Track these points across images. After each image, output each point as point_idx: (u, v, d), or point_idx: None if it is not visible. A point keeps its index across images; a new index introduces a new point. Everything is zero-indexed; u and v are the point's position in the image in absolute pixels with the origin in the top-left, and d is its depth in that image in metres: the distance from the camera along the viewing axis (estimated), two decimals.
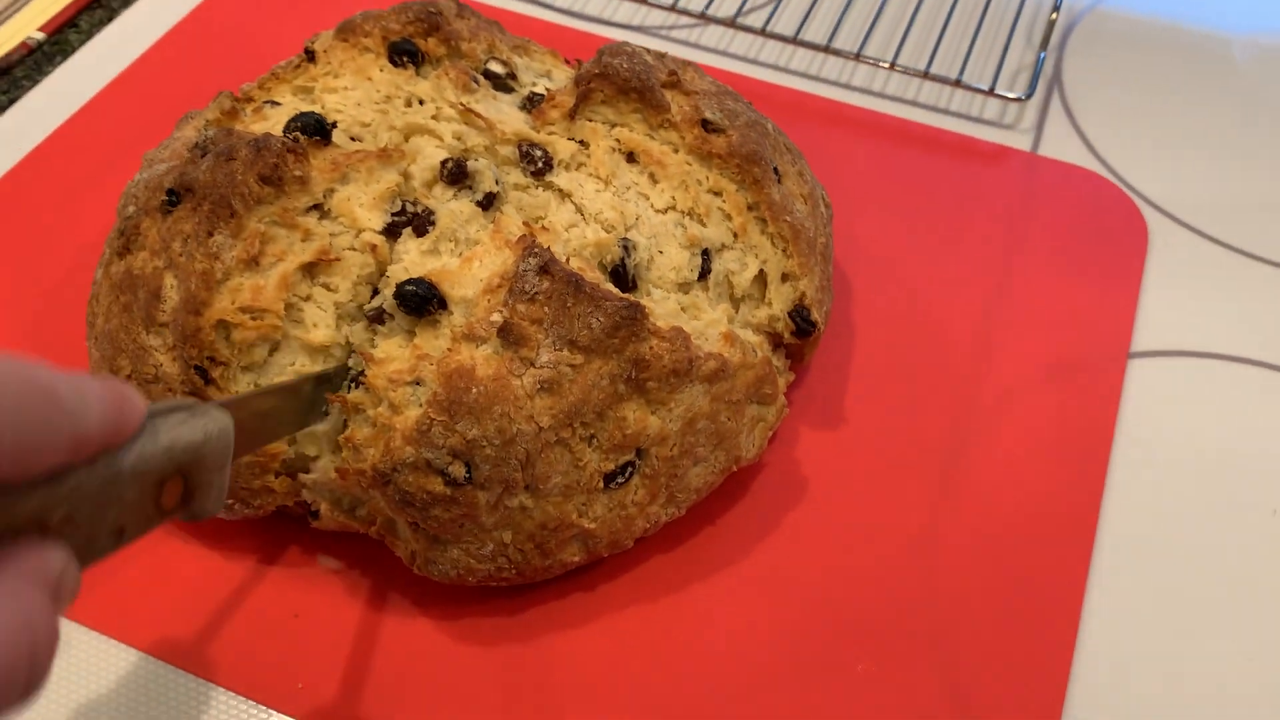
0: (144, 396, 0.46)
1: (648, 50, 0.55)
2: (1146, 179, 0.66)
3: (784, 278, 0.52)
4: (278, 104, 0.54)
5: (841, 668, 0.46)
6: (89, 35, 0.74)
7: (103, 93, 0.69)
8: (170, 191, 0.48)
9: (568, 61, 0.59)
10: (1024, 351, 0.57)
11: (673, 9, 0.74)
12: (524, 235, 0.46)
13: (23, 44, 0.71)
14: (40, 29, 0.72)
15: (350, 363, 0.47)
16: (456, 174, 0.49)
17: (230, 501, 0.47)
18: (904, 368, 0.56)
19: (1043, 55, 0.70)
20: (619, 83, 0.52)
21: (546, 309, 0.44)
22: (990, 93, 0.69)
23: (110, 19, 0.75)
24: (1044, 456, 0.53)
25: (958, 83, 0.69)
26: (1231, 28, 0.76)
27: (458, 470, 0.43)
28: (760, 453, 0.50)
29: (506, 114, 0.52)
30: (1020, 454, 0.53)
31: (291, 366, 0.46)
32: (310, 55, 0.56)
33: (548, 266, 0.44)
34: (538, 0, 0.77)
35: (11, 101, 0.69)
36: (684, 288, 0.49)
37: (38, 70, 0.71)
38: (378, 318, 0.46)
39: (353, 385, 0.46)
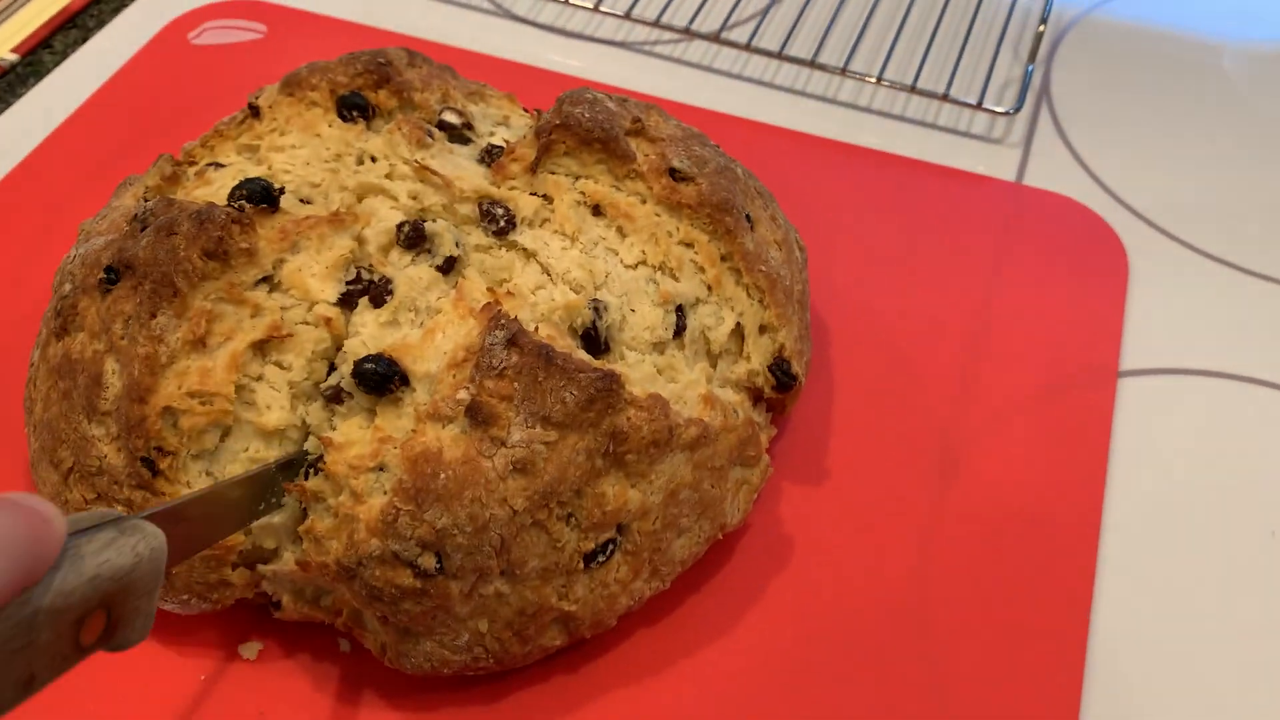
0: (89, 489, 0.43)
1: (609, 96, 0.53)
2: (1135, 192, 0.65)
3: (761, 329, 0.50)
4: (222, 165, 0.51)
5: None
6: (63, 56, 0.72)
7: (66, 123, 0.66)
8: (109, 269, 0.45)
9: (525, 109, 0.56)
10: (1009, 381, 0.56)
11: (656, 24, 0.72)
12: (489, 303, 0.44)
13: None
14: (13, 50, 0.71)
15: (308, 446, 0.44)
16: (414, 237, 0.46)
17: (186, 596, 0.44)
18: (886, 410, 0.55)
19: (1030, 68, 0.69)
20: (581, 133, 0.50)
21: (516, 384, 0.41)
22: (978, 106, 0.67)
23: (85, 39, 0.73)
24: (1036, 486, 0.52)
25: (945, 97, 0.68)
26: (1221, 37, 0.75)
27: (428, 561, 0.40)
28: (745, 516, 0.48)
29: (465, 169, 0.50)
30: (1010, 486, 0.52)
31: (245, 452, 0.43)
32: (255, 111, 0.53)
33: (516, 339, 0.42)
34: (518, 17, 0.75)
35: None
36: (659, 347, 0.47)
37: (10, 92, 0.69)
38: (335, 397, 0.44)
39: (311, 471, 0.43)
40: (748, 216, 0.51)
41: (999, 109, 0.67)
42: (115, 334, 0.44)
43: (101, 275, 0.45)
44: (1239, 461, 0.53)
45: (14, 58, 0.71)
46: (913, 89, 0.68)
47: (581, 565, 0.43)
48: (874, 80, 0.69)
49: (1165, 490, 0.52)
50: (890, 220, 0.62)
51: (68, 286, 0.47)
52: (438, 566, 0.40)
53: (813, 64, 0.70)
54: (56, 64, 0.71)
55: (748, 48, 0.71)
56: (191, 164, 0.52)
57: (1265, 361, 0.57)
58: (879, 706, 0.45)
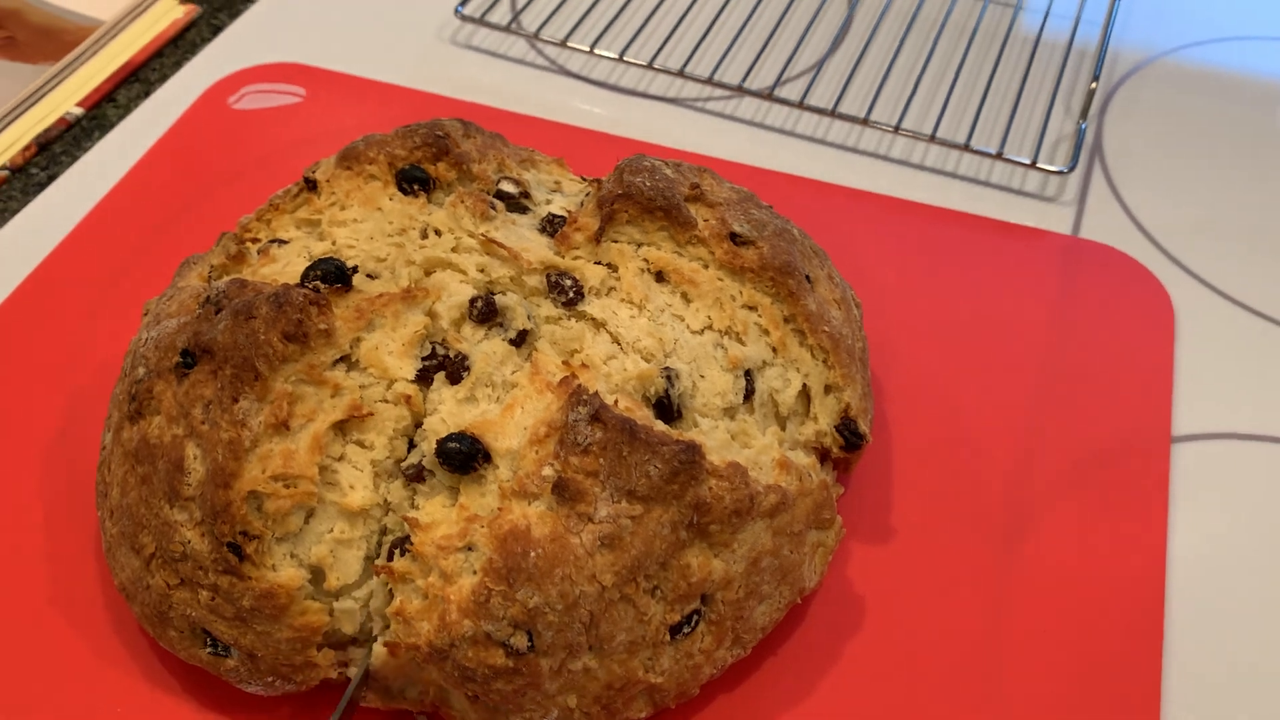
0: (172, 574, 0.43)
1: (665, 162, 0.53)
2: (1188, 250, 0.65)
3: (826, 389, 0.50)
4: (284, 241, 0.52)
5: None
6: (126, 110, 0.73)
7: (110, 194, 0.67)
8: (185, 352, 0.45)
9: (574, 175, 0.57)
10: (1065, 442, 0.56)
11: (709, 81, 0.73)
12: (566, 377, 0.44)
13: (61, 119, 0.72)
14: (78, 104, 0.73)
15: (388, 523, 0.44)
16: (486, 312, 0.47)
17: (271, 678, 0.45)
18: (946, 469, 0.55)
19: (1083, 125, 0.70)
20: (644, 202, 0.50)
21: (601, 460, 0.41)
22: (1033, 165, 0.68)
23: (147, 94, 0.75)
24: (1099, 554, 0.51)
25: (999, 155, 0.68)
26: (1274, 93, 0.75)
27: (520, 641, 0.41)
28: (821, 579, 0.48)
29: (529, 240, 0.50)
30: (1074, 553, 0.52)
31: (329, 534, 0.43)
32: (311, 184, 0.54)
33: (599, 414, 0.42)
34: (573, 73, 0.76)
35: (51, 178, 0.69)
36: (729, 412, 0.47)
37: (76, 145, 0.71)
38: (417, 475, 0.44)
39: (397, 553, 0.43)
40: (807, 277, 0.52)
41: (1053, 168, 0.68)
42: (195, 418, 0.44)
43: (177, 359, 0.46)
44: None
45: (79, 111, 0.72)
46: (966, 147, 0.69)
47: (668, 637, 0.43)
48: (928, 138, 0.69)
49: (1226, 559, 0.52)
50: (942, 274, 0.63)
51: (141, 370, 0.47)
52: (529, 645, 0.41)
53: (865, 121, 0.70)
54: (120, 118, 0.73)
55: (800, 105, 0.72)
56: (254, 240, 0.52)
57: None
58: None
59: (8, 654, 0.48)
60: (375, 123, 0.70)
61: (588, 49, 0.76)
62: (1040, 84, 0.75)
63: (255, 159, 0.69)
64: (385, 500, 0.44)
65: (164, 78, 0.76)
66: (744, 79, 0.74)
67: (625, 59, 0.75)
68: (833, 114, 0.71)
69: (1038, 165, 0.68)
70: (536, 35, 0.77)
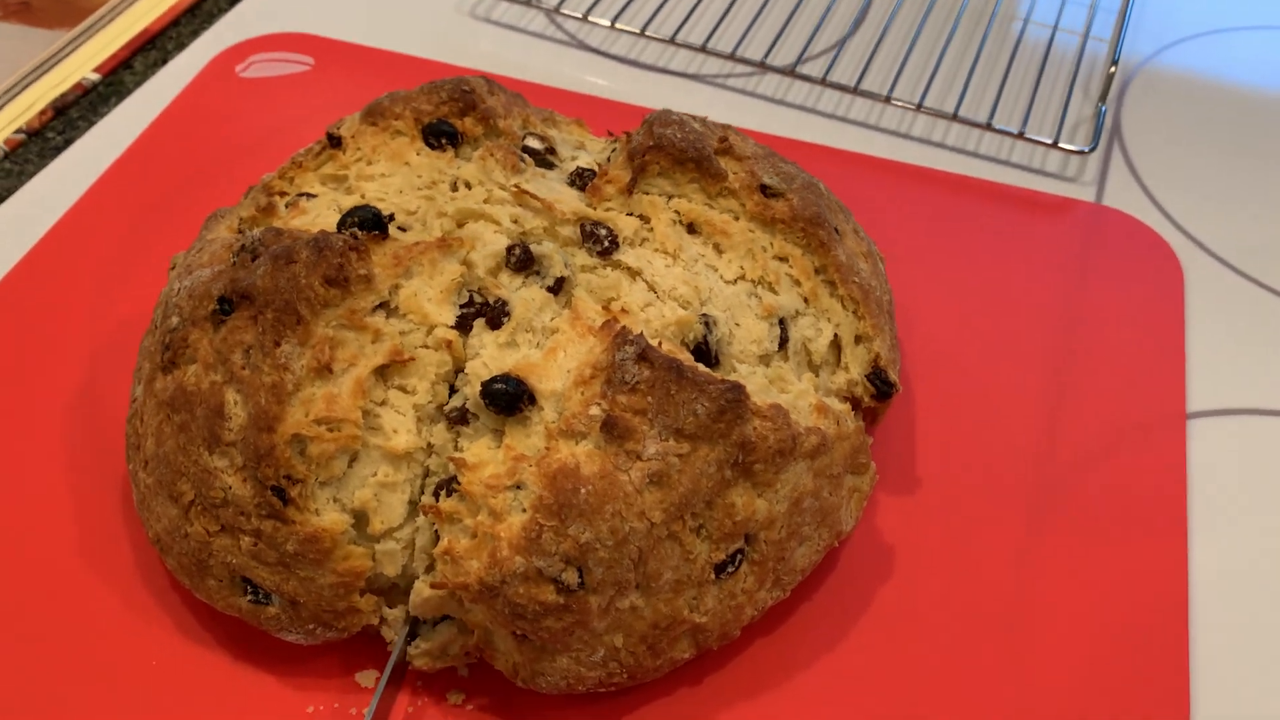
0: (213, 520, 0.43)
1: (692, 116, 0.54)
2: (1205, 228, 0.66)
3: (857, 340, 0.51)
4: (312, 195, 0.51)
5: None
6: (144, 77, 0.73)
7: (118, 161, 0.66)
8: (222, 300, 0.45)
9: (595, 135, 0.57)
10: (1086, 412, 0.56)
11: (731, 57, 0.73)
12: (608, 320, 0.44)
13: (78, 84, 0.72)
14: (95, 70, 0.73)
15: (431, 466, 0.44)
16: (524, 260, 0.47)
17: (312, 626, 0.44)
18: (969, 427, 0.56)
19: (1103, 108, 0.71)
20: (675, 153, 0.51)
21: (649, 398, 0.42)
22: (1054, 145, 0.68)
23: (164, 60, 0.74)
24: (1122, 520, 0.52)
25: (1021, 135, 0.69)
26: None
27: (570, 577, 0.41)
28: (856, 523, 0.49)
29: (560, 193, 0.51)
30: (1098, 516, 0.52)
31: (373, 478, 0.43)
32: (335, 141, 0.54)
33: (646, 354, 0.42)
34: (593, 48, 0.76)
35: (67, 143, 0.69)
36: (765, 360, 0.48)
37: (93, 111, 0.71)
38: (461, 418, 0.44)
39: (441, 494, 0.43)
40: (835, 230, 0.52)
41: (1073, 147, 0.68)
42: (235, 364, 0.44)
43: (214, 307, 0.45)
44: None
45: (96, 77, 0.72)
46: (988, 126, 0.69)
47: (712, 576, 0.43)
48: (950, 117, 0.70)
49: (1250, 529, 0.53)
50: (961, 239, 0.64)
51: (175, 319, 0.46)
52: (579, 582, 0.41)
53: (888, 99, 0.71)
54: (137, 84, 0.72)
55: (823, 82, 0.72)
56: (281, 194, 0.52)
57: None
58: (974, 703, 0.46)
59: (39, 612, 0.47)
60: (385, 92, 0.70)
61: (609, 23, 0.76)
62: (1059, 67, 0.76)
63: (265, 128, 0.69)
64: (429, 444, 0.44)
65: (181, 46, 0.75)
66: (766, 55, 0.74)
67: (647, 34, 0.75)
68: (855, 91, 0.72)
69: (1059, 145, 0.69)
70: (557, 9, 0.77)
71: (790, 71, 0.72)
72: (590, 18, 0.76)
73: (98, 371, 0.55)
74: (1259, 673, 0.48)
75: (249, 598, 0.44)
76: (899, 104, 0.71)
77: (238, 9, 0.78)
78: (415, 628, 0.45)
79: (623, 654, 0.43)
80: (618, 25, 0.76)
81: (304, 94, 0.72)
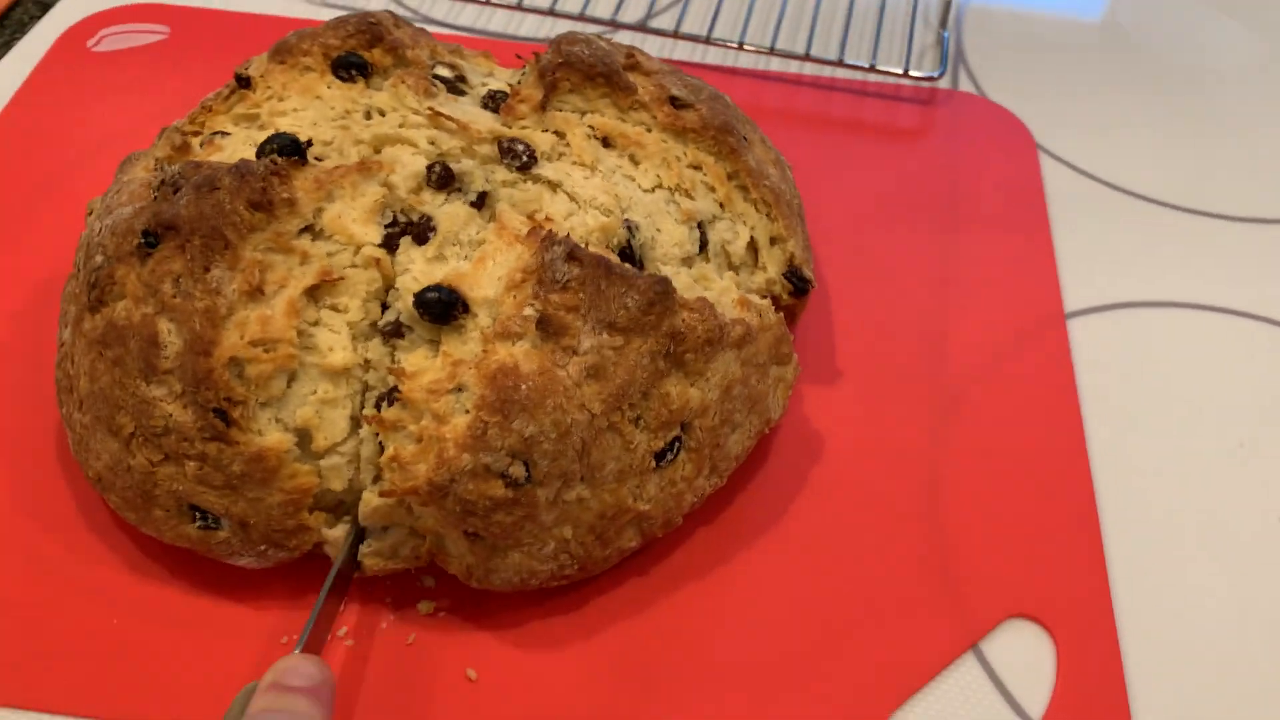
0: (155, 450, 0.43)
1: (598, 36, 0.55)
2: (1054, 138, 0.70)
3: (772, 241, 0.53)
4: (226, 134, 0.51)
5: (884, 599, 0.48)
6: None
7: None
8: (146, 233, 0.45)
9: (517, 56, 0.58)
10: (976, 308, 0.59)
11: (580, 18, 0.74)
12: (534, 228, 0.46)
13: None
14: None
15: (370, 381, 0.45)
16: (445, 177, 0.48)
17: (263, 547, 0.45)
18: (878, 321, 0.59)
19: (945, 34, 0.74)
20: (585, 69, 0.52)
21: (581, 295, 0.43)
22: (905, 74, 0.71)
23: (11, 43, 0.72)
24: (1022, 408, 0.55)
25: (872, 68, 0.71)
26: None
27: (517, 470, 0.42)
28: (783, 412, 0.51)
29: (475, 115, 0.51)
30: (999, 404, 0.55)
31: (313, 395, 0.44)
32: (244, 82, 0.54)
33: (574, 253, 0.44)
34: (439, 20, 0.76)
35: None
36: (687, 262, 0.50)
37: None
38: (395, 331, 0.45)
39: (382, 404, 0.44)
40: (744, 138, 0.54)
41: (922, 74, 0.71)
42: (165, 294, 0.44)
43: (139, 241, 0.45)
44: (1192, 385, 0.57)
45: None
46: (840, 63, 0.72)
47: (653, 464, 0.45)
48: (803, 56, 0.72)
49: (1134, 416, 0.56)
50: (840, 143, 0.67)
51: (99, 258, 0.46)
52: (526, 475, 0.42)
53: (740, 46, 0.72)
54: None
55: (675, 35, 0.73)
56: (194, 134, 0.52)
57: (1189, 287, 0.62)
58: (902, 571, 0.49)
59: None
60: (248, 54, 0.70)
61: None
62: (898, 1, 0.79)
63: (122, 100, 0.68)
64: (365, 360, 0.45)
65: (23, 29, 0.73)
66: (615, 12, 0.75)
67: (493, 2, 0.75)
68: (708, 41, 0.73)
69: (909, 74, 0.72)
70: None
71: (642, 27, 0.73)
72: None
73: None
74: (1165, 539, 0.51)
75: (198, 524, 0.45)
76: (752, 49, 0.73)
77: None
78: (363, 538, 0.46)
79: (572, 545, 0.45)
80: None
81: (162, 62, 0.71)
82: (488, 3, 0.75)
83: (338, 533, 0.45)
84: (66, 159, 0.64)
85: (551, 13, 0.75)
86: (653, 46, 0.74)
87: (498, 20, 0.77)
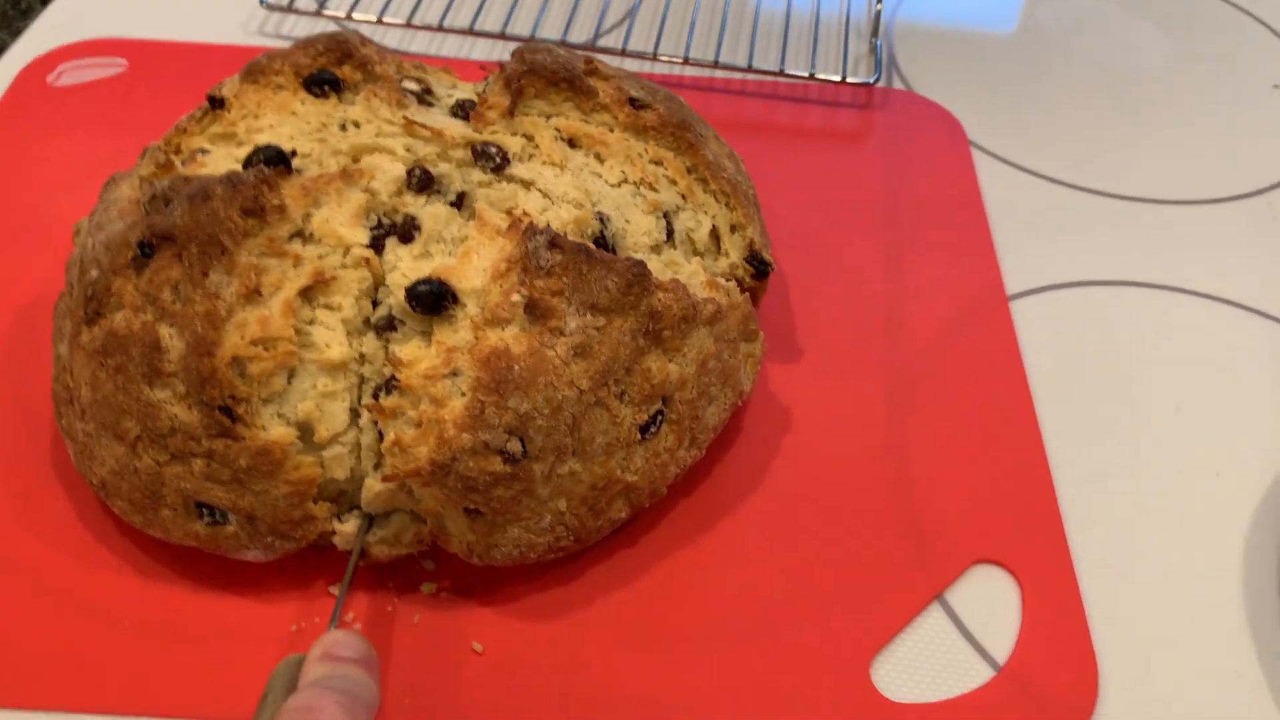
0: (161, 451, 0.45)
1: (556, 45, 0.58)
2: (986, 133, 0.74)
3: (732, 229, 0.56)
4: (206, 151, 0.54)
5: (859, 556, 0.51)
6: None
7: None
8: (142, 244, 0.47)
9: (481, 68, 0.61)
10: (923, 295, 0.63)
11: (531, 40, 0.77)
12: (514, 221, 0.48)
13: None
14: None
15: (365, 373, 0.47)
16: (424, 180, 0.51)
17: (270, 539, 0.47)
18: (833, 301, 0.62)
19: (878, 42, 0.78)
20: (548, 75, 0.55)
21: (565, 279, 0.46)
22: (843, 82, 0.75)
23: None
24: (974, 382, 0.59)
25: (811, 76, 0.75)
26: None
27: (514, 446, 0.45)
28: (753, 386, 0.54)
29: (446, 122, 0.54)
30: (954, 380, 0.59)
31: (313, 389, 0.46)
32: (218, 103, 0.56)
33: (555, 240, 0.47)
34: (394, 49, 0.79)
35: None
36: (656, 249, 0.53)
37: None
38: (388, 325, 0.47)
39: (381, 394, 0.46)
40: (700, 134, 0.57)
41: (859, 80, 0.75)
42: (164, 301, 0.46)
43: (134, 253, 0.47)
44: (1128, 354, 0.61)
45: None
46: (781, 73, 0.76)
47: (638, 437, 0.48)
48: (745, 69, 0.75)
49: (1078, 389, 0.59)
50: (786, 140, 0.71)
51: (94, 272, 0.48)
52: (523, 451, 0.45)
53: (685, 60, 0.76)
54: None
55: (622, 52, 0.76)
56: (175, 153, 0.54)
57: (1120, 266, 0.66)
58: (872, 527, 0.52)
59: None
60: (207, 83, 0.71)
61: (404, 22, 0.78)
62: (831, 14, 0.84)
63: (84, 135, 0.69)
64: (361, 354, 0.47)
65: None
66: (564, 34, 0.78)
67: (445, 28, 0.78)
68: (654, 57, 0.76)
69: (847, 81, 0.76)
70: (348, 16, 0.78)
71: (590, 47, 0.77)
72: (385, 19, 0.78)
73: None
74: (1114, 491, 0.55)
75: (206, 520, 0.47)
76: (697, 63, 0.76)
77: (39, 21, 0.78)
78: (370, 526, 0.48)
79: (567, 517, 0.47)
80: (413, 23, 0.78)
81: (122, 96, 0.72)
82: (440, 29, 0.78)
83: (350, 526, 0.47)
84: (35, 192, 0.65)
85: (503, 36, 0.78)
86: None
87: (450, 45, 0.79)
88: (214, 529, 0.47)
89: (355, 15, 0.79)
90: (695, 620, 0.49)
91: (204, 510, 0.47)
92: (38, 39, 0.77)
